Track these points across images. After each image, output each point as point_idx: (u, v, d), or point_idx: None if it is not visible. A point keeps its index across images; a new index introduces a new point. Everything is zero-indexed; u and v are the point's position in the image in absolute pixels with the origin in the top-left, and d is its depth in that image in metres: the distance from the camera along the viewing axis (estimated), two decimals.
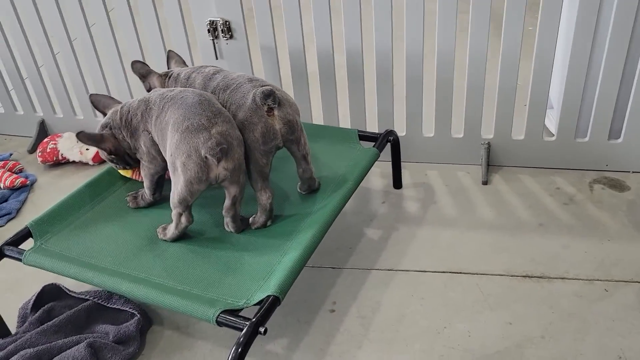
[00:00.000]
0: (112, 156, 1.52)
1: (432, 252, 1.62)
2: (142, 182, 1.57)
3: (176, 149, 1.30)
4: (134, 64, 1.60)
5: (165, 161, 1.44)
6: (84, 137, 1.46)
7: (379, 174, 1.94)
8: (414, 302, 1.48)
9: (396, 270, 1.58)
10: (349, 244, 1.68)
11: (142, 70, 1.59)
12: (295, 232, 1.39)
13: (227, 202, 1.39)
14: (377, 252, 1.64)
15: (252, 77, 1.45)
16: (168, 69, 1.65)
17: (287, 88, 1.95)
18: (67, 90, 2.21)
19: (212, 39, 1.88)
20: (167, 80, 1.56)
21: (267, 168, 1.39)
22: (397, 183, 1.88)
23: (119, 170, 1.63)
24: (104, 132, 1.48)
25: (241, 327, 1.14)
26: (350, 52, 1.81)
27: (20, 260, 1.37)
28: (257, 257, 1.34)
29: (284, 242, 1.37)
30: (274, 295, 1.19)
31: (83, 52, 2.06)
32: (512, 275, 1.53)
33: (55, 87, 2.20)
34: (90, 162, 2.14)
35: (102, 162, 2.17)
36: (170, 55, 1.68)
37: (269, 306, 1.17)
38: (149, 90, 1.58)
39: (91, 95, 1.57)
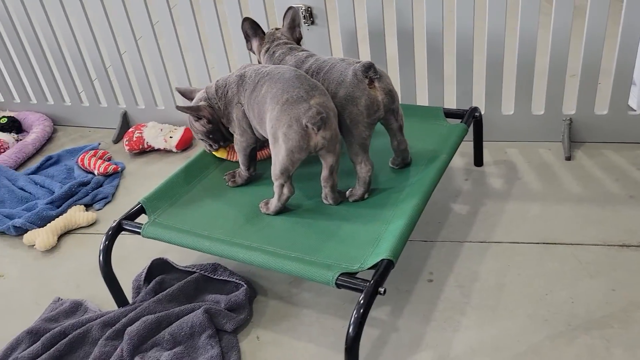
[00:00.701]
0: (209, 125, 1.56)
1: (523, 225, 1.64)
2: (237, 161, 1.65)
3: (277, 120, 1.36)
4: (245, 21, 1.64)
5: (255, 134, 1.51)
6: (183, 108, 1.53)
7: (459, 153, 1.97)
8: (511, 271, 1.51)
9: (489, 243, 1.61)
10: (438, 218, 1.72)
11: (250, 31, 1.65)
12: (396, 203, 1.44)
13: (325, 173, 1.44)
14: (468, 226, 1.67)
15: (342, 58, 1.50)
16: (282, 26, 1.68)
17: None
18: (149, 82, 2.31)
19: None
20: (264, 52, 1.63)
21: (368, 140, 1.44)
22: (479, 160, 1.90)
23: (213, 152, 1.70)
24: (201, 103, 1.55)
25: (361, 287, 1.19)
26: (431, 32, 1.84)
27: (137, 233, 1.46)
28: (361, 226, 1.39)
29: (387, 212, 1.42)
30: (387, 259, 1.24)
31: (166, 43, 2.15)
32: (609, 245, 1.54)
33: (138, 79, 2.30)
34: (174, 150, 2.23)
35: (186, 149, 2.26)
36: (288, 15, 1.67)
37: (384, 269, 1.22)
38: (250, 50, 1.70)
39: (177, 88, 1.66)
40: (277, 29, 1.69)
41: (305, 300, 1.51)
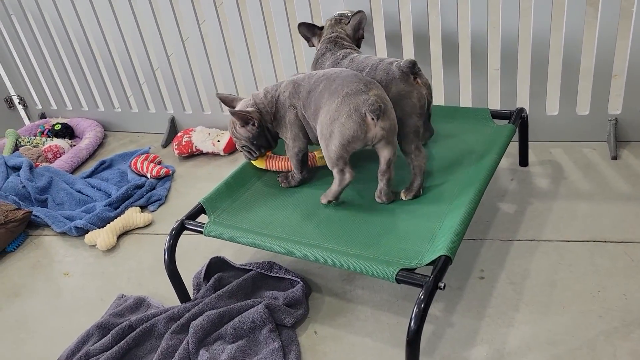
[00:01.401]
0: (256, 130, 1.58)
1: (572, 223, 1.66)
2: (276, 171, 1.71)
3: (336, 111, 1.42)
4: (300, 26, 1.83)
5: (305, 139, 1.57)
6: (235, 111, 1.56)
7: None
8: (562, 268, 1.53)
9: (539, 241, 1.63)
10: (486, 217, 1.75)
11: (308, 33, 1.84)
12: (450, 200, 1.48)
13: (383, 166, 1.49)
14: (516, 225, 1.70)
15: (379, 57, 1.61)
16: (348, 24, 1.81)
17: None
18: (196, 87, 2.39)
19: None
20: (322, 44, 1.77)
21: (421, 129, 1.54)
22: (524, 161, 1.93)
23: (253, 162, 1.73)
24: (249, 109, 1.59)
25: (421, 283, 1.23)
26: (475, 33, 1.88)
27: (199, 232, 1.52)
28: (416, 223, 1.43)
29: (441, 209, 1.46)
30: (445, 255, 1.28)
31: (215, 50, 2.22)
32: None
33: (185, 84, 2.38)
34: (222, 153, 2.31)
35: (233, 152, 2.33)
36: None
37: (442, 264, 1.26)
38: (311, 46, 1.86)
39: (218, 94, 1.68)
40: (339, 19, 1.81)
41: (359, 297, 1.56)
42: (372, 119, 1.39)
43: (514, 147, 1.93)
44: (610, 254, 1.54)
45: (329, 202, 1.54)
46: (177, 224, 1.53)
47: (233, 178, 1.70)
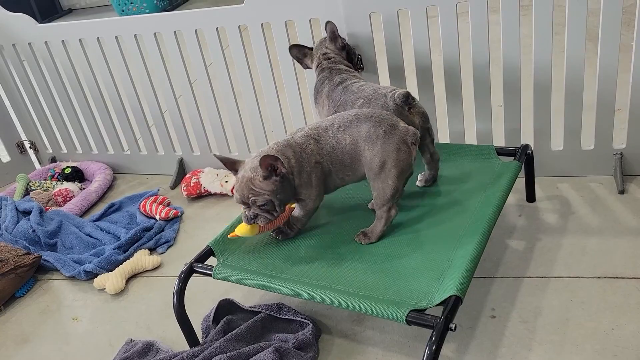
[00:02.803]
0: (281, 183, 1.45)
1: (583, 260, 1.65)
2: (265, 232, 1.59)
3: (383, 151, 1.47)
4: (291, 49, 1.92)
5: (323, 194, 1.56)
6: (267, 156, 1.42)
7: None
8: (574, 306, 1.51)
9: (549, 278, 1.62)
10: (495, 255, 1.74)
11: (299, 55, 1.93)
12: (458, 239, 1.47)
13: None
14: (526, 262, 1.69)
15: (372, 86, 1.69)
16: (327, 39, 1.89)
17: None
18: (204, 129, 2.43)
19: None
20: (315, 67, 1.87)
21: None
22: (531, 196, 1.93)
23: (239, 233, 1.53)
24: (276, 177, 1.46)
25: (432, 324, 1.22)
26: (477, 71, 1.91)
27: (208, 275, 1.53)
28: (424, 263, 1.43)
29: (448, 248, 1.45)
30: (455, 295, 1.27)
31: (222, 92, 2.27)
32: None
33: (193, 125, 2.42)
34: (230, 194, 2.32)
35: None
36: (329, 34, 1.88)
37: (453, 305, 1.25)
38: (305, 68, 1.94)
39: (215, 155, 1.54)
40: (322, 40, 1.90)
41: (369, 338, 1.54)
42: (413, 143, 1.48)
43: (520, 183, 1.94)
44: (622, 291, 1.53)
45: (371, 242, 1.54)
46: (186, 267, 1.54)
47: (234, 222, 1.70)
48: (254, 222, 1.51)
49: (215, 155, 1.54)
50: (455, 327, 1.21)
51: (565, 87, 1.87)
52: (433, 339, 1.19)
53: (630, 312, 1.46)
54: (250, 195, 1.46)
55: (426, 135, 1.66)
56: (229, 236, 1.58)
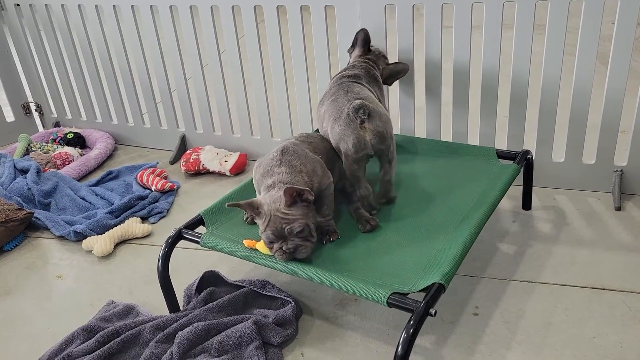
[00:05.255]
0: (305, 205, 1.36)
1: (572, 269, 1.64)
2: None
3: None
4: (361, 30, 1.84)
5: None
6: (294, 188, 1.34)
7: (507, 195, 1.99)
8: (558, 312, 1.50)
9: (536, 283, 1.61)
10: (484, 256, 1.73)
11: (361, 41, 1.85)
12: (448, 232, 1.47)
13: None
14: (514, 265, 1.68)
15: (356, 90, 1.58)
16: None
17: (419, 111, 2.07)
18: (210, 109, 2.43)
19: None
20: (361, 62, 1.84)
21: (359, 172, 1.54)
22: (527, 204, 1.92)
23: (261, 249, 1.40)
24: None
25: (412, 307, 1.21)
26: (486, 80, 1.91)
27: (196, 242, 1.52)
28: (412, 251, 1.42)
29: (438, 240, 1.45)
30: (439, 283, 1.26)
31: (232, 78, 2.27)
32: None
33: (199, 104, 2.42)
34: (228, 173, 2.33)
35: (239, 173, 2.35)
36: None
37: (435, 291, 1.25)
38: (348, 52, 1.92)
39: (228, 204, 1.39)
40: (379, 53, 1.88)
41: (350, 323, 1.53)
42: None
43: (518, 191, 1.93)
44: (608, 302, 1.52)
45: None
46: (174, 232, 1.53)
47: (235, 193, 1.71)
48: (294, 257, 1.35)
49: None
50: (435, 312, 1.20)
51: (571, 105, 1.87)
52: (411, 322, 1.18)
53: (614, 323, 1.45)
54: (284, 225, 1.33)
55: (382, 156, 1.54)
56: (244, 242, 1.44)
